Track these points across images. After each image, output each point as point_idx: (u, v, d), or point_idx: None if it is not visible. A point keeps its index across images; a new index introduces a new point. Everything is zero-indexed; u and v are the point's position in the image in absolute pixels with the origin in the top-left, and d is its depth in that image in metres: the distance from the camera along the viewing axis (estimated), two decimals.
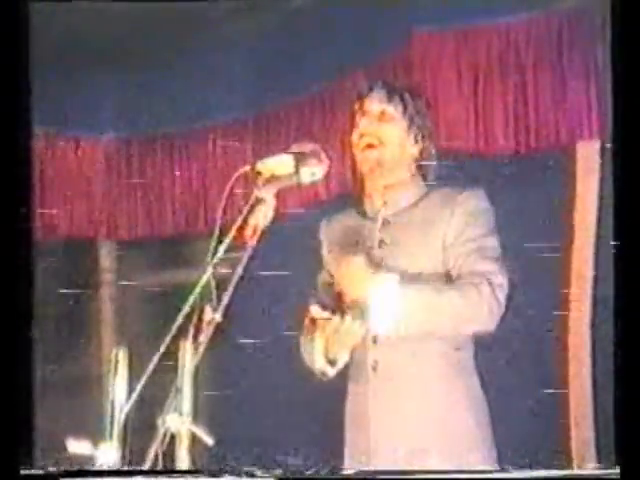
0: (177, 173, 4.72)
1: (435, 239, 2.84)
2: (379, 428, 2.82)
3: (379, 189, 2.95)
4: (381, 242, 2.93)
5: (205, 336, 2.33)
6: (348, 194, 4.07)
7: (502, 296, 2.76)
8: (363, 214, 3.00)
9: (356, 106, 2.98)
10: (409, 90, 2.98)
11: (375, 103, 2.93)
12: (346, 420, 2.94)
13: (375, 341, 2.85)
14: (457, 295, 2.73)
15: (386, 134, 2.91)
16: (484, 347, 2.90)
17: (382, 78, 3.03)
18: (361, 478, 2.68)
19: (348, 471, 2.66)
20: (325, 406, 4.02)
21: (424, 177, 2.97)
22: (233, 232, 2.45)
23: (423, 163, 2.96)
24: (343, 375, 3.95)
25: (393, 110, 2.92)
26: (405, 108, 2.92)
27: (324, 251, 3.09)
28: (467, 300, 2.73)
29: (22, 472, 2.59)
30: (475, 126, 3.60)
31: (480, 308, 2.74)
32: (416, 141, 2.94)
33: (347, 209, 3.08)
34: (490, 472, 2.66)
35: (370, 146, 2.90)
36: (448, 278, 2.82)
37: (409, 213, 2.92)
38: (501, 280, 2.77)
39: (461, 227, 2.83)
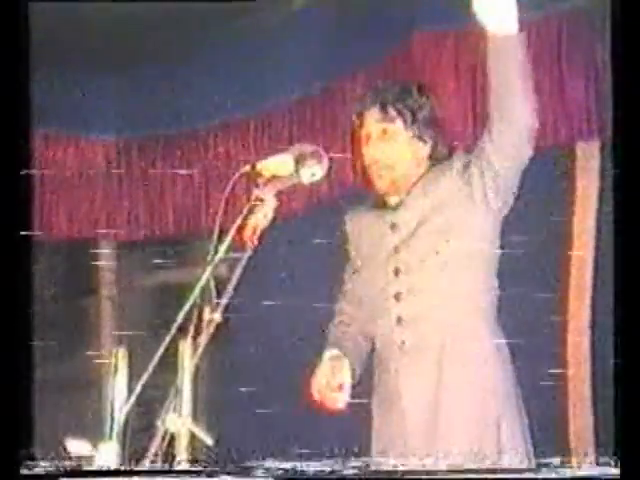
0: (177, 173, 4.72)
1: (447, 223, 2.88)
2: (411, 411, 2.85)
3: (395, 191, 2.96)
4: (393, 226, 2.94)
5: (205, 336, 2.34)
6: (348, 194, 4.09)
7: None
8: (382, 205, 3.01)
9: (356, 123, 2.98)
10: (402, 94, 2.95)
11: (374, 124, 2.94)
12: (374, 404, 2.98)
13: (400, 322, 2.89)
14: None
15: (394, 153, 2.92)
16: None
17: (373, 88, 3.02)
18: (362, 478, 2.68)
19: (350, 471, 2.66)
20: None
21: (438, 161, 2.97)
22: (233, 232, 2.45)
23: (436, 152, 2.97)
24: None
25: (394, 126, 2.92)
26: (405, 119, 2.92)
27: (351, 248, 3.09)
28: None
29: (22, 472, 2.58)
30: (474, 126, 3.60)
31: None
32: (425, 142, 2.94)
33: (367, 203, 3.08)
34: (489, 472, 2.66)
35: (385, 168, 2.92)
36: None
37: (421, 202, 2.93)
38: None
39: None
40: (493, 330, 2.88)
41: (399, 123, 2.92)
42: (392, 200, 2.97)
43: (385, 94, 2.96)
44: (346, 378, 2.90)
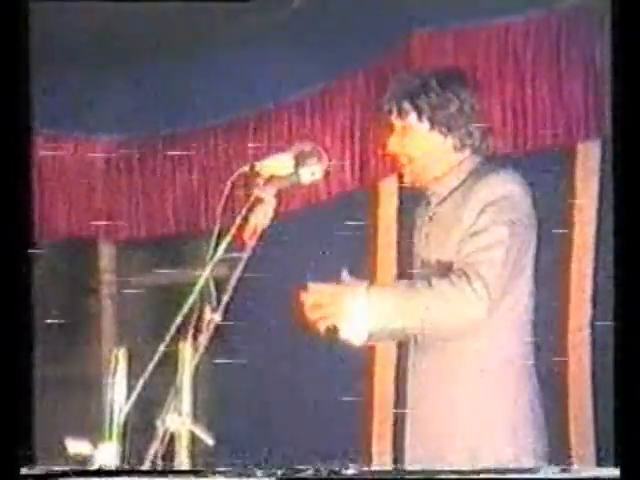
0: (177, 173, 4.73)
1: (457, 231, 2.84)
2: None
3: (420, 182, 2.96)
4: (427, 236, 2.94)
5: (205, 336, 2.33)
6: (348, 193, 4.09)
7: (482, 286, 2.70)
8: (426, 202, 3.00)
9: (386, 118, 2.98)
10: (422, 88, 2.93)
11: (395, 119, 2.94)
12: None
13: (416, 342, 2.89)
14: (430, 294, 2.71)
15: (412, 147, 2.91)
16: None
17: (395, 83, 3.01)
18: (361, 478, 2.68)
19: (348, 471, 2.66)
20: (326, 406, 4.02)
21: (477, 153, 2.93)
22: (233, 232, 2.45)
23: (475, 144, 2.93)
24: (341, 374, 3.96)
25: (410, 121, 2.91)
26: (419, 113, 2.90)
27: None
28: (440, 296, 2.71)
29: (22, 472, 2.58)
30: None
31: (456, 303, 2.71)
32: (445, 135, 2.90)
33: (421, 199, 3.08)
34: (490, 472, 2.66)
35: (406, 161, 2.92)
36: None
37: (445, 205, 2.91)
38: (486, 271, 2.72)
39: (473, 218, 2.80)
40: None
41: (412, 117, 2.91)
42: (428, 195, 2.96)
43: (404, 88, 2.95)
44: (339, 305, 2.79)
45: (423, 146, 2.91)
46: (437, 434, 2.80)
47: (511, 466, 2.70)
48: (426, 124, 2.90)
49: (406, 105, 2.90)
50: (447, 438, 2.78)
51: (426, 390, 2.85)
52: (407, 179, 2.96)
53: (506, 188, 2.82)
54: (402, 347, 3.10)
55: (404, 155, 2.93)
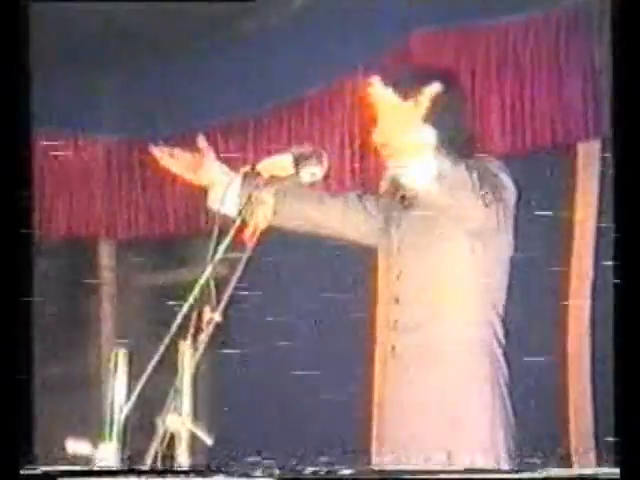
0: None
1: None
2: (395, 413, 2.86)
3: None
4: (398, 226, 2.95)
5: (204, 336, 2.34)
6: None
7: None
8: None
9: (372, 111, 2.96)
10: (416, 78, 2.91)
11: (382, 106, 2.92)
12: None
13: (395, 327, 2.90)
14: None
15: (396, 134, 2.89)
16: None
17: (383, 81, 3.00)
18: (361, 478, 2.68)
19: (347, 471, 2.66)
20: (324, 405, 4.02)
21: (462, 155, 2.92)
22: (233, 232, 2.45)
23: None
24: (340, 376, 3.95)
25: (397, 105, 2.89)
26: (408, 100, 2.89)
27: None
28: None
29: (22, 472, 2.58)
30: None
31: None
32: (431, 126, 2.89)
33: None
34: (489, 472, 2.66)
35: (388, 151, 2.90)
36: None
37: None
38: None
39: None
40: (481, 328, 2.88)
41: (402, 102, 2.89)
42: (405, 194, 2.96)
43: (397, 77, 2.93)
44: None
45: (407, 133, 2.89)
46: (411, 426, 2.82)
47: (489, 465, 2.71)
48: (417, 110, 2.89)
49: (398, 91, 2.88)
50: (420, 431, 2.80)
51: (403, 377, 2.87)
52: (390, 177, 2.93)
53: (498, 174, 2.83)
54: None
55: (389, 146, 2.90)
